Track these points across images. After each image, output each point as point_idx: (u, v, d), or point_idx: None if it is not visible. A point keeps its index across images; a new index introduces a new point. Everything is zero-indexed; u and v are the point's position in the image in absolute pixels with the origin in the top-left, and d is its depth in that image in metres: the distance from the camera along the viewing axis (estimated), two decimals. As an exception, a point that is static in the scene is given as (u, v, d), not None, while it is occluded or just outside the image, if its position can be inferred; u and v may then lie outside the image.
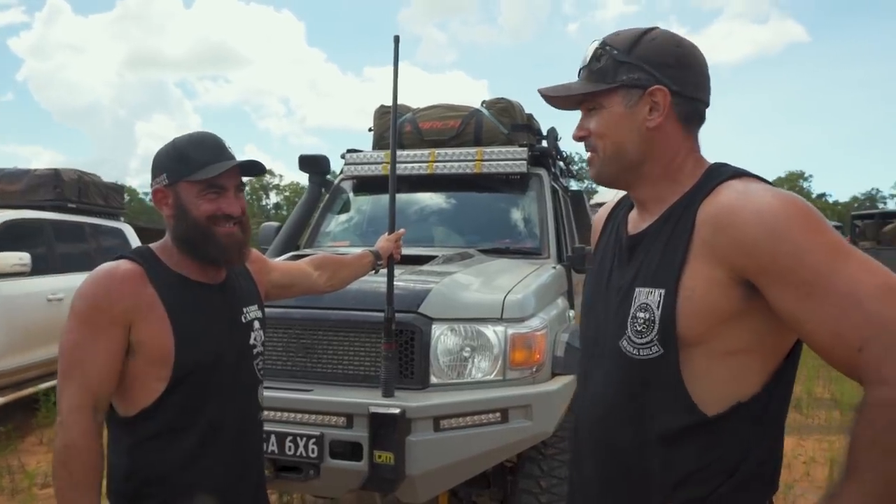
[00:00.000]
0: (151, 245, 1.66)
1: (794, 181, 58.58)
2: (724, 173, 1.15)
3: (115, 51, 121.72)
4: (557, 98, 1.30)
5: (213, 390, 1.58)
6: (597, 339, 1.28)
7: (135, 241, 7.83)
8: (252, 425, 1.72)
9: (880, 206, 53.31)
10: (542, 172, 4.27)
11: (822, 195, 59.61)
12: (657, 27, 1.26)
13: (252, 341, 1.70)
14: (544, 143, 4.73)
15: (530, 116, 4.76)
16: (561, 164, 4.93)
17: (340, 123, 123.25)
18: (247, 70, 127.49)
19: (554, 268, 3.52)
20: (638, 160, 1.22)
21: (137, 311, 1.50)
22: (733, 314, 1.08)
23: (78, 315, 1.50)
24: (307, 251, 3.99)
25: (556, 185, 4.47)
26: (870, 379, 0.96)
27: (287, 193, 68.06)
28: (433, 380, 2.59)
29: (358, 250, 2.42)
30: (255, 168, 1.63)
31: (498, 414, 2.49)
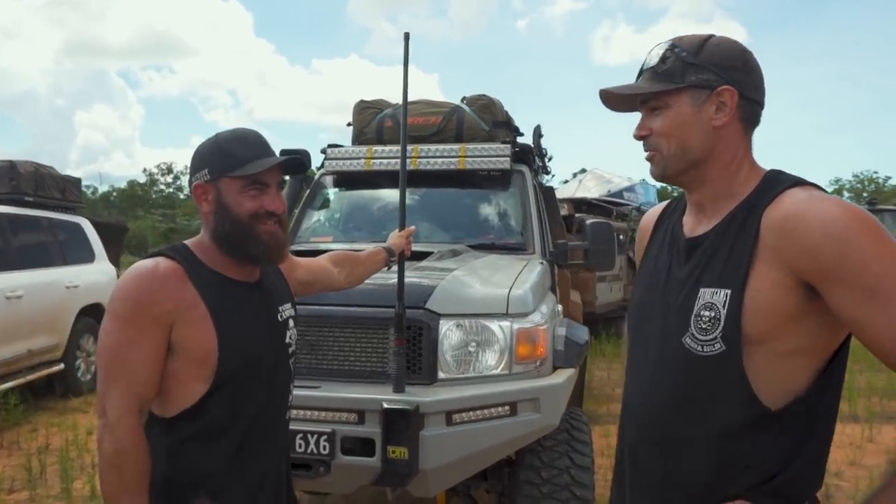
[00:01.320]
0: (187, 242, 1.63)
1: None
2: (784, 181, 1.22)
3: (52, 37, 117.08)
4: (616, 99, 1.34)
5: (254, 390, 1.57)
6: (654, 336, 1.32)
7: (93, 235, 7.61)
8: (283, 423, 1.72)
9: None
10: (525, 169, 4.32)
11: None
12: (715, 34, 1.31)
13: (288, 340, 1.70)
14: (522, 140, 4.79)
15: (507, 113, 4.82)
16: (538, 161, 5.00)
17: (289, 116, 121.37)
18: (192, 60, 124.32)
19: (541, 263, 3.58)
20: (702, 158, 1.27)
21: (179, 311, 1.48)
22: (793, 315, 1.14)
23: (119, 316, 1.47)
24: (291, 248, 3.95)
25: (535, 182, 4.54)
26: None
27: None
28: (441, 375, 2.61)
29: (370, 247, 2.42)
30: (298, 166, 1.62)
31: (507, 407, 2.53)
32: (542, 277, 3.32)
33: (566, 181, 19.96)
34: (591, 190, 11.62)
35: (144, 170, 65.12)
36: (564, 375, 2.76)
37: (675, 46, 1.28)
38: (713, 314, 1.18)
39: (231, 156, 1.53)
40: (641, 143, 1.34)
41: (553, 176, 14.78)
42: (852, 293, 1.08)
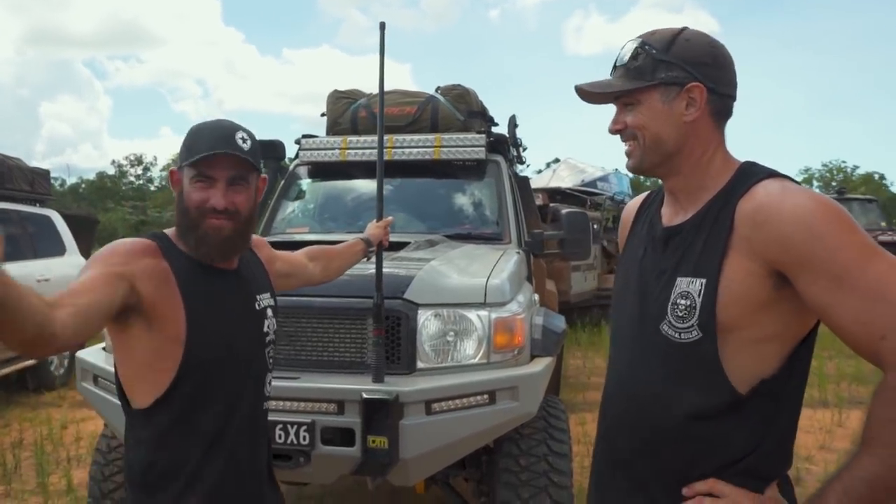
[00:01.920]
0: (167, 230, 1.63)
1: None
2: (758, 173, 1.25)
3: (12, 25, 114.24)
4: (592, 93, 1.37)
5: (227, 378, 1.57)
6: (631, 323, 1.36)
7: (63, 228, 7.49)
8: (261, 413, 1.72)
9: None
10: (500, 159, 4.35)
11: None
12: (687, 27, 1.33)
13: (265, 329, 1.69)
14: (497, 130, 4.81)
15: (482, 104, 4.83)
16: (513, 151, 5.02)
17: (259, 106, 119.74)
18: (160, 50, 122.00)
19: (517, 253, 3.61)
20: (674, 151, 1.30)
21: (150, 277, 1.47)
22: (765, 303, 1.18)
23: (90, 262, 1.46)
24: (266, 239, 3.93)
25: (510, 172, 4.56)
26: (891, 364, 1.07)
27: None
28: (419, 364, 2.63)
29: (348, 238, 2.42)
30: (245, 164, 1.55)
31: (486, 396, 2.55)
32: (518, 267, 3.34)
33: (540, 171, 20.04)
34: (564, 180, 11.68)
35: (113, 161, 64.06)
36: (542, 364, 2.80)
37: (645, 44, 1.30)
38: (689, 302, 1.22)
39: (192, 146, 1.54)
40: (618, 136, 1.37)
41: (528, 165, 14.81)
42: (821, 281, 1.11)
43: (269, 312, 1.72)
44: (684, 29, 1.33)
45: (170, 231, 1.62)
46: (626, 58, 1.32)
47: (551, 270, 5.89)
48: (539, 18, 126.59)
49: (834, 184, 50.33)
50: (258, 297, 1.69)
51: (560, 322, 3.21)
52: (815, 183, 56.81)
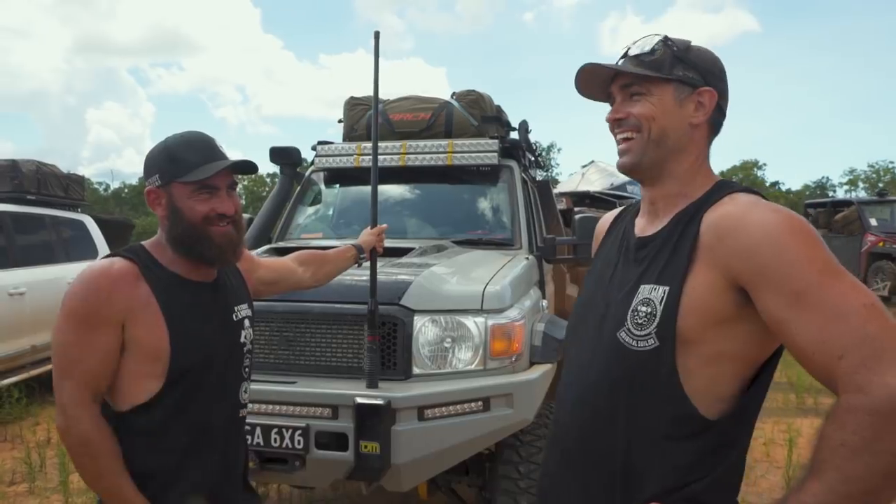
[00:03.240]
0: (144, 242, 1.67)
1: (748, 170, 59.89)
2: (731, 187, 1.26)
3: (62, 36, 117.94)
4: (590, 82, 1.36)
5: (204, 388, 1.61)
6: (591, 330, 1.34)
7: (96, 233, 7.69)
8: (237, 421, 1.75)
9: (830, 194, 55.00)
10: (513, 164, 4.34)
11: (775, 183, 61.08)
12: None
13: (242, 339, 1.73)
14: (513, 135, 4.80)
15: (499, 108, 4.82)
16: (530, 155, 5.00)
17: (297, 112, 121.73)
18: (201, 57, 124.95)
19: (527, 258, 3.59)
20: (673, 150, 1.30)
21: (131, 310, 1.51)
22: (725, 317, 1.16)
23: (72, 315, 1.51)
24: (280, 244, 4.00)
25: (525, 177, 4.55)
26: (845, 385, 1.03)
27: (246, 183, 67.03)
28: (415, 370, 2.64)
29: (340, 244, 2.45)
30: (247, 167, 1.64)
31: (480, 403, 2.55)
32: (525, 272, 3.33)
33: (573, 174, 19.87)
34: (594, 183, 11.54)
35: (156, 166, 65.42)
36: (540, 371, 2.78)
37: (668, 39, 1.31)
38: (649, 310, 1.20)
39: (180, 161, 1.57)
40: (611, 127, 1.35)
41: (547, 170, 14.68)
42: (780, 296, 1.09)
43: (247, 323, 1.76)
44: (702, 46, 1.35)
45: (148, 243, 1.66)
46: (645, 49, 1.32)
47: (575, 275, 5.85)
48: (574, 20, 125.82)
49: (881, 184, 48.88)
50: (236, 308, 1.73)
51: (563, 329, 3.18)
52: (861, 184, 55.25)
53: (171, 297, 1.57)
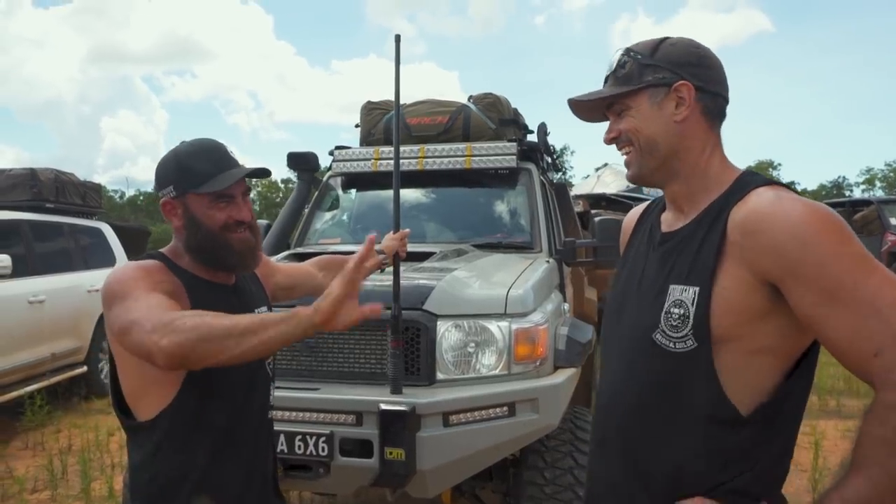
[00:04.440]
0: (161, 250, 1.67)
1: (763, 170, 59.46)
2: (755, 181, 1.23)
3: (77, 45, 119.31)
4: (585, 109, 1.39)
5: (231, 391, 1.59)
6: (626, 330, 1.34)
7: (114, 240, 7.74)
8: (265, 423, 1.74)
9: (847, 193, 54.53)
10: (532, 167, 4.31)
11: (791, 183, 60.66)
12: (671, 36, 1.34)
13: None
14: (530, 138, 4.77)
15: (516, 111, 4.80)
16: (548, 158, 4.97)
17: (309, 117, 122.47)
18: (213, 64, 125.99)
19: (547, 262, 3.56)
20: (669, 153, 1.29)
21: (173, 294, 1.50)
22: (759, 313, 1.15)
23: (122, 292, 1.42)
24: (298, 250, 3.99)
25: (544, 179, 4.52)
26: (883, 382, 1.04)
27: (259, 189, 67.42)
28: (439, 376, 2.62)
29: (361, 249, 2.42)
30: (260, 174, 1.63)
31: (505, 408, 2.52)
32: (546, 276, 3.30)
33: (587, 176, 19.83)
34: (609, 185, 11.49)
35: (171, 173, 65.96)
36: (565, 375, 2.75)
37: (630, 51, 1.32)
38: (682, 311, 1.19)
39: (194, 171, 1.57)
40: (614, 146, 1.37)
41: (567, 174, 14.63)
42: (811, 293, 1.08)
43: None
44: (668, 37, 1.34)
45: (166, 250, 1.66)
46: (614, 66, 1.34)
47: (593, 278, 5.81)
48: (585, 23, 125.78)
49: (898, 184, 48.29)
50: (256, 310, 1.72)
51: (587, 332, 3.15)
52: (878, 183, 54.68)
53: (198, 296, 1.56)
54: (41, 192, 6.75)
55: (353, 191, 4.68)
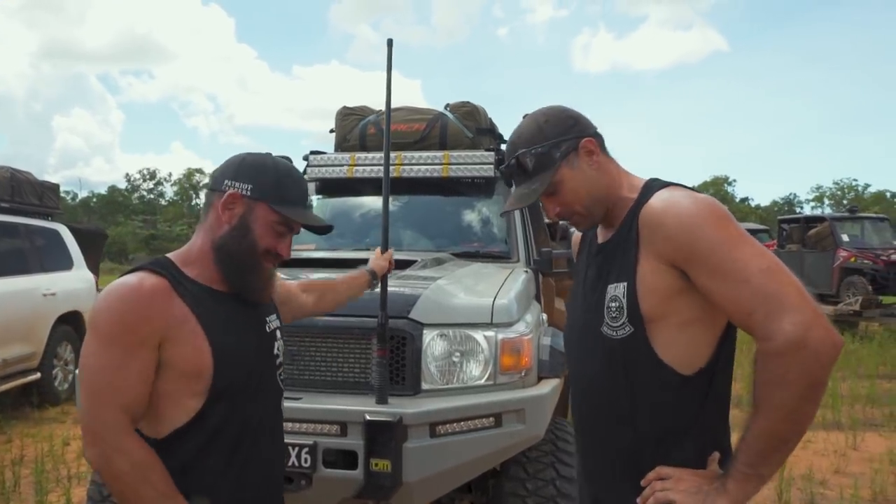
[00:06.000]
0: (169, 255, 1.58)
1: (718, 185, 60.90)
2: (656, 185, 1.46)
3: (27, 40, 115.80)
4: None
5: (244, 403, 1.55)
6: (580, 329, 1.56)
7: (71, 242, 7.50)
8: (278, 435, 1.71)
9: (798, 210, 56.18)
10: (509, 176, 4.29)
11: (745, 199, 62.24)
12: (535, 112, 1.55)
13: (276, 351, 1.68)
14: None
15: (491, 121, 4.80)
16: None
17: (269, 122, 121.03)
18: (172, 65, 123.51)
19: (525, 272, 3.56)
20: (604, 195, 1.50)
21: (168, 328, 1.43)
22: (676, 292, 1.37)
23: (104, 336, 1.41)
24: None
25: (519, 189, 4.52)
26: (758, 335, 1.26)
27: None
28: (424, 385, 2.57)
29: (354, 272, 2.37)
30: (328, 230, 1.70)
31: (492, 419, 2.50)
32: (526, 286, 3.29)
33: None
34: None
35: (127, 175, 64.65)
36: (549, 386, 2.74)
37: (526, 151, 1.50)
38: (618, 304, 1.42)
39: (283, 189, 1.56)
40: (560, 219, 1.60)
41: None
42: (702, 271, 1.31)
43: (278, 334, 1.71)
44: (532, 118, 1.53)
45: (174, 255, 1.58)
46: (520, 169, 1.51)
47: (561, 289, 5.84)
48: (547, 36, 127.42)
49: (845, 202, 50.05)
50: (267, 318, 1.68)
51: (567, 342, 3.14)
52: (826, 201, 56.56)
53: (208, 312, 1.49)
54: (-4, 190, 6.50)
55: (327, 197, 4.61)
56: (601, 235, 1.56)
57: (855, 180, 55.35)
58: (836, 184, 56.67)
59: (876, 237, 13.96)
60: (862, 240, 13.76)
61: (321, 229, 1.66)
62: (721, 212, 1.34)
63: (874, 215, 15.77)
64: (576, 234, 1.75)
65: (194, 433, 1.47)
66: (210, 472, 1.50)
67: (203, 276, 1.54)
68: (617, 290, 1.42)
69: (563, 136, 1.48)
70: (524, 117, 1.55)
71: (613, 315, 1.42)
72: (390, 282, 2.74)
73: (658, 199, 1.40)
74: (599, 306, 1.45)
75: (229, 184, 1.54)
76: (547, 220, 7.36)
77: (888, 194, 52.11)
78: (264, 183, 1.54)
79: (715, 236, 1.30)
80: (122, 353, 1.39)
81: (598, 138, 1.52)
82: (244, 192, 1.53)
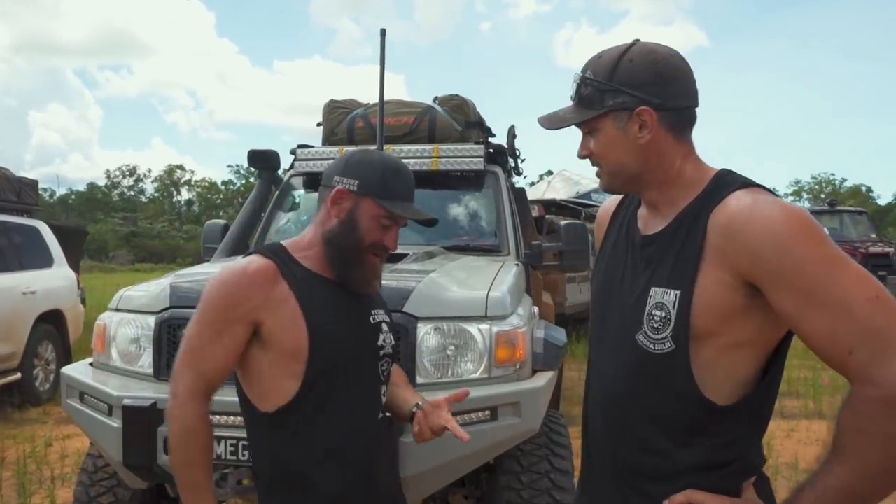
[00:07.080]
0: (284, 242, 1.67)
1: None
2: (731, 183, 1.24)
3: (1, 33, 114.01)
4: (556, 124, 1.39)
5: (345, 390, 1.60)
6: (611, 330, 1.36)
7: (51, 239, 7.37)
8: (380, 424, 1.72)
9: (777, 204, 56.50)
10: (498, 170, 4.29)
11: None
12: (636, 43, 1.31)
13: (381, 342, 1.72)
14: (494, 141, 4.76)
15: (479, 114, 4.78)
16: (511, 162, 4.97)
17: (251, 118, 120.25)
18: (152, 60, 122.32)
19: (516, 265, 3.54)
20: (639, 172, 1.31)
21: (266, 307, 1.53)
22: (739, 311, 1.18)
23: (204, 309, 1.56)
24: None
25: (508, 183, 4.51)
26: (857, 378, 1.08)
27: (199, 190, 65.70)
28: (419, 379, 2.55)
29: (410, 394, 1.96)
30: (433, 223, 1.79)
31: (487, 412, 2.47)
32: (517, 279, 3.28)
33: (534, 183, 20.06)
34: (559, 191, 11.67)
35: (107, 171, 63.86)
36: (544, 378, 2.72)
37: (590, 77, 1.30)
38: (664, 314, 1.23)
39: (389, 185, 1.61)
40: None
41: (525, 177, 14.88)
42: (790, 294, 1.12)
43: (385, 327, 1.76)
44: (631, 47, 1.30)
45: (288, 243, 1.67)
46: (576, 89, 1.34)
47: (547, 282, 5.84)
48: (530, 31, 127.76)
49: (823, 195, 50.72)
50: (373, 311, 1.73)
51: (561, 335, 3.14)
52: (805, 195, 57.31)
53: (311, 295, 1.57)
54: (-27, 187, 6.38)
55: (315, 191, 4.57)
56: (647, 223, 1.35)
57: (832, 175, 56.06)
58: (815, 178, 57.41)
59: (854, 230, 14.18)
60: (841, 232, 13.97)
61: (426, 222, 1.73)
62: (816, 226, 1.14)
63: (852, 209, 16.03)
64: (603, 209, 1.55)
65: (295, 412, 1.55)
66: (313, 452, 1.58)
67: (312, 263, 1.62)
68: (666, 297, 1.22)
69: (628, 87, 1.26)
70: (634, 41, 1.32)
71: (655, 325, 1.23)
72: (383, 275, 2.71)
73: (738, 201, 1.19)
74: (639, 309, 1.26)
75: (338, 180, 1.62)
76: (535, 215, 7.39)
77: (864, 188, 52.89)
78: (370, 178, 1.60)
79: (810, 255, 1.10)
80: (216, 326, 1.53)
81: (674, 114, 1.28)
82: (351, 188, 1.60)
